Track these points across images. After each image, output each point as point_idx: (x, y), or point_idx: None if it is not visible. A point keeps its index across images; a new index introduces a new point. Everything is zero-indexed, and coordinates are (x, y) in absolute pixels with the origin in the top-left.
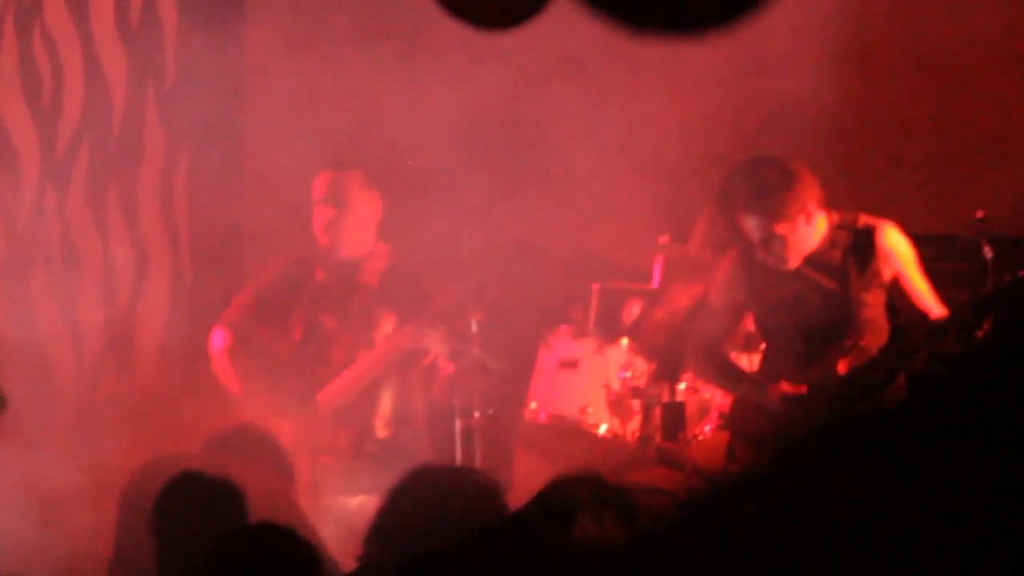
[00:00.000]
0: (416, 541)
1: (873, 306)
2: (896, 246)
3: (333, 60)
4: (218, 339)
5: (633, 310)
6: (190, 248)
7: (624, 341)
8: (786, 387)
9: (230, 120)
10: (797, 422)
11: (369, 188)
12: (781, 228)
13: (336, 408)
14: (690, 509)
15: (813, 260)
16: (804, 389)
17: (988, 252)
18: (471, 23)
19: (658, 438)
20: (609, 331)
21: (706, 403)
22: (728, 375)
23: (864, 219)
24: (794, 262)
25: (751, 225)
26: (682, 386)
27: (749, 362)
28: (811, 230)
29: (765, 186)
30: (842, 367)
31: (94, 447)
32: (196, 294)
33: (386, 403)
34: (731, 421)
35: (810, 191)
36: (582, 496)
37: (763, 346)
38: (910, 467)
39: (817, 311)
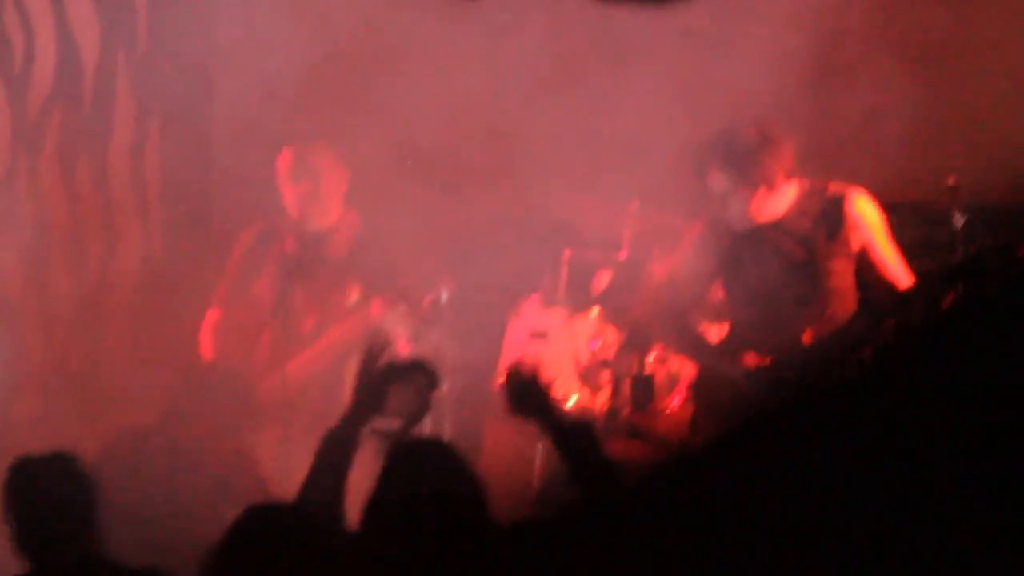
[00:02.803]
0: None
1: (841, 275)
2: (865, 214)
3: (309, 20)
4: (208, 316)
5: (603, 279)
6: (160, 216)
7: (594, 311)
8: (751, 359)
9: (201, 89)
10: (762, 393)
11: (334, 159)
12: (743, 190)
13: (304, 378)
14: (654, 480)
15: (781, 228)
16: (768, 362)
17: (958, 220)
18: None
19: (627, 410)
20: (579, 300)
21: (675, 375)
22: (695, 345)
23: (834, 187)
24: (749, 223)
25: (715, 180)
26: (651, 358)
27: (719, 331)
28: (774, 198)
29: (737, 146)
30: (808, 336)
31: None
32: (166, 262)
33: (353, 375)
34: (697, 392)
35: (780, 161)
36: None
37: (732, 315)
38: (876, 437)
39: (785, 279)
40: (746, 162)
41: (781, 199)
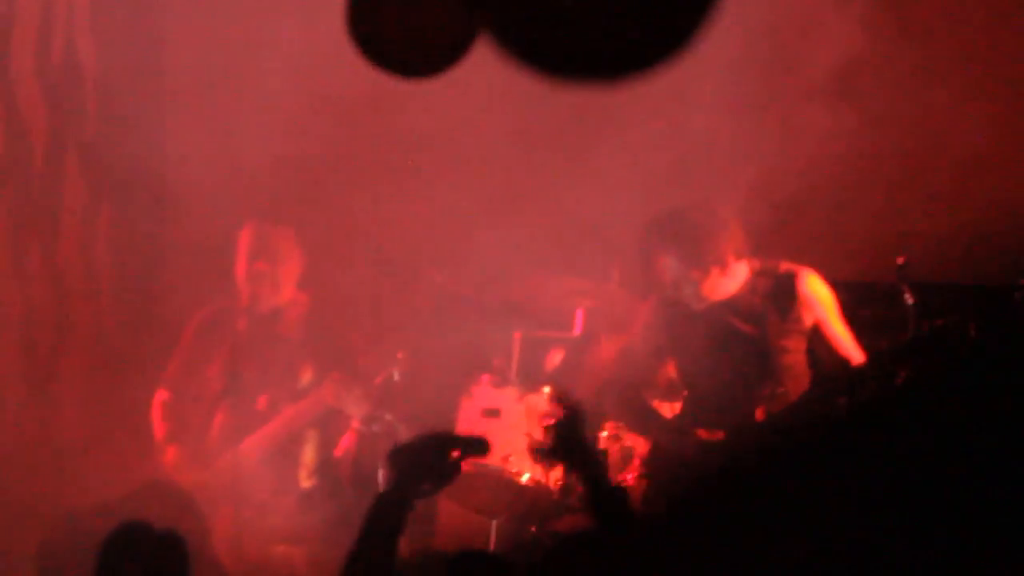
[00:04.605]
0: None
1: (793, 352)
2: (817, 292)
3: (257, 103)
4: (157, 397)
5: (555, 358)
6: (111, 298)
7: (546, 389)
8: (703, 434)
9: (153, 171)
10: (713, 468)
11: (292, 240)
12: (694, 274)
13: (259, 457)
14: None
15: (733, 306)
16: (720, 435)
17: (909, 299)
18: (394, 72)
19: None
20: (531, 379)
21: (628, 451)
22: (647, 421)
23: (785, 266)
24: (703, 304)
25: (665, 265)
26: (604, 434)
27: (671, 410)
28: (726, 279)
29: (686, 231)
30: (761, 413)
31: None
32: (117, 344)
33: (309, 453)
34: (650, 468)
35: (730, 242)
36: None
37: (684, 393)
38: (830, 513)
39: (737, 357)
40: (698, 245)
41: (733, 279)
